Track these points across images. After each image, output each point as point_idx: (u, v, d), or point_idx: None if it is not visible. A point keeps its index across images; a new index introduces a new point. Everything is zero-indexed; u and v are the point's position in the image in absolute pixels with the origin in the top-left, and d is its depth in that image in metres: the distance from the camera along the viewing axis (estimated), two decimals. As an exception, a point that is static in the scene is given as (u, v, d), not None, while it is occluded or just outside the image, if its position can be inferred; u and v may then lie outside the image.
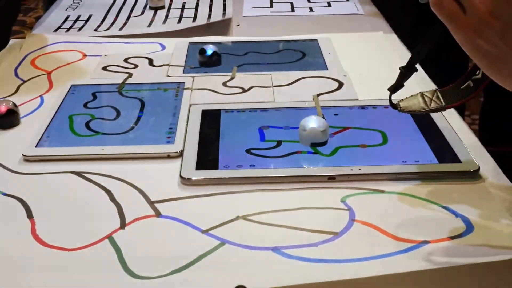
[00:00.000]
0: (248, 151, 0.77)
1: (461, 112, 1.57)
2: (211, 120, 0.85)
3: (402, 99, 0.69)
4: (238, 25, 1.29)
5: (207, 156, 0.76)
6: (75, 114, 0.88)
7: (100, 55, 1.10)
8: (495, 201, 0.67)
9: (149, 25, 1.28)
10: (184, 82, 0.97)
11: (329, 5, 1.39)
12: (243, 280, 0.56)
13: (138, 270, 0.58)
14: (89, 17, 1.33)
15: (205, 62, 1.04)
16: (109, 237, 0.63)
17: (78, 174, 0.75)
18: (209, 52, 1.04)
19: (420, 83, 0.86)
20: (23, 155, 0.78)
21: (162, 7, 1.37)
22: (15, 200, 0.70)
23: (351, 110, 0.87)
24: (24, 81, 1.01)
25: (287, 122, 0.84)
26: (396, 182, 0.71)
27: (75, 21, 1.31)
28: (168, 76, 1.01)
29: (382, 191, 0.70)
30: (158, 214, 0.67)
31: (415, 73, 0.66)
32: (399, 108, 0.68)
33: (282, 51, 1.13)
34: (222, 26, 1.27)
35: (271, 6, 1.40)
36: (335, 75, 0.99)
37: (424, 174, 0.72)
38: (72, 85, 0.97)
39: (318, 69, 1.03)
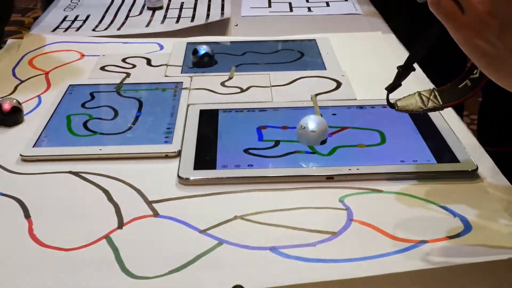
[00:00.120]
0: (246, 151, 0.77)
1: (459, 112, 1.57)
2: (209, 120, 0.85)
3: (400, 99, 0.69)
4: (236, 25, 1.29)
5: (205, 156, 0.76)
6: (73, 114, 0.88)
7: (98, 55, 1.10)
8: (493, 201, 0.67)
9: (147, 25, 1.28)
10: (182, 82, 0.97)
11: (328, 5, 1.39)
12: (241, 280, 0.56)
13: (135, 270, 0.58)
14: (87, 17, 1.33)
15: (197, 62, 1.04)
16: (107, 237, 0.63)
17: (76, 174, 0.74)
18: (201, 52, 1.04)
19: (418, 82, 0.86)
20: (20, 155, 0.78)
21: (160, 7, 1.37)
22: (13, 200, 0.70)
23: (349, 110, 0.87)
24: (22, 81, 1.01)
25: (285, 122, 0.84)
26: (394, 182, 0.71)
27: (73, 21, 1.31)
28: (166, 76, 1.01)
29: (380, 191, 0.70)
30: (156, 214, 0.67)
31: (412, 72, 0.66)
32: (396, 108, 0.68)
33: (280, 51, 1.13)
34: (220, 26, 1.27)
35: (270, 6, 1.40)
36: (333, 75, 0.99)
37: (422, 174, 0.72)
38: (70, 85, 0.97)
39: (316, 69, 1.02)
